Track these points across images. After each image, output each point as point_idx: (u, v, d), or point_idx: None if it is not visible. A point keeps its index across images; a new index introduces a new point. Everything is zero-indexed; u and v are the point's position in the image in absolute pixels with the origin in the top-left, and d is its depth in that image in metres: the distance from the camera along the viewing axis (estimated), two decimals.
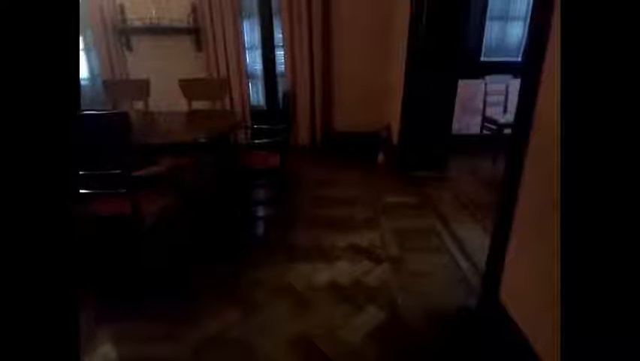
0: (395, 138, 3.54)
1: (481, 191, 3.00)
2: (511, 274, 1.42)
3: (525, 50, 1.28)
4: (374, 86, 4.03)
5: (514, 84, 3.78)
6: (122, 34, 3.88)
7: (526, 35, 3.89)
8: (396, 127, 3.50)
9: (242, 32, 3.83)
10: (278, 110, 4.03)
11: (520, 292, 1.35)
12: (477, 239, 2.21)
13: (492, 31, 3.86)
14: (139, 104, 3.12)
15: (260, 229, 2.47)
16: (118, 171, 1.55)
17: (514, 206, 1.34)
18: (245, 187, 2.80)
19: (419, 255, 2.06)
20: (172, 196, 1.94)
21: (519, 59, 3.97)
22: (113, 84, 3.29)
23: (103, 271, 1.93)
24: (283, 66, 3.96)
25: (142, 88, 3.05)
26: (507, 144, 1.40)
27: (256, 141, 2.73)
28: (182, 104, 3.04)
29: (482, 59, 3.94)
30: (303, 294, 1.74)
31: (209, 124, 2.53)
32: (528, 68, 1.24)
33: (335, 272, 1.90)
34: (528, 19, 3.83)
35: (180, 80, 3.02)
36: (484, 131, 3.89)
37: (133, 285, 1.85)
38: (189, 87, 3.04)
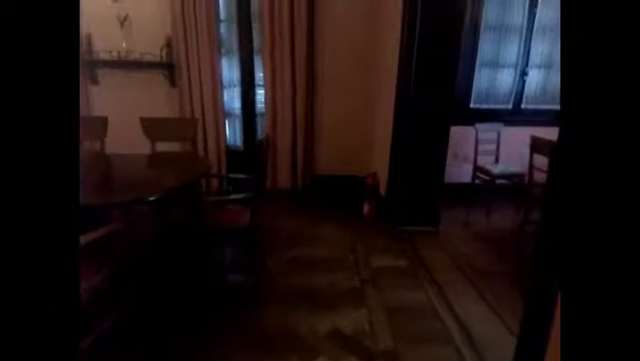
0: (383, 188, 3.24)
1: (479, 251, 2.68)
2: None
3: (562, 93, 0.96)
4: (360, 129, 3.78)
5: (506, 132, 3.61)
6: (88, 66, 3.55)
7: (517, 83, 3.78)
8: (384, 176, 3.21)
9: (219, 69, 3.57)
10: (256, 152, 3.70)
11: None
12: (484, 322, 1.86)
13: (482, 77, 3.73)
14: (98, 145, 2.73)
15: (223, 307, 2.01)
16: None
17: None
18: (208, 252, 2.37)
19: (417, 347, 1.67)
20: (107, 270, 1.52)
21: (510, 106, 3.83)
22: None
23: None
24: (263, 105, 3.68)
25: (98, 127, 2.68)
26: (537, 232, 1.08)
27: (231, 197, 2.36)
28: (150, 146, 2.68)
29: (472, 105, 3.79)
30: None
31: (170, 173, 2.16)
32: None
33: None
34: (519, 67, 3.73)
35: (142, 119, 2.67)
36: (476, 181, 3.66)
37: None
38: (153, 127, 2.69)
